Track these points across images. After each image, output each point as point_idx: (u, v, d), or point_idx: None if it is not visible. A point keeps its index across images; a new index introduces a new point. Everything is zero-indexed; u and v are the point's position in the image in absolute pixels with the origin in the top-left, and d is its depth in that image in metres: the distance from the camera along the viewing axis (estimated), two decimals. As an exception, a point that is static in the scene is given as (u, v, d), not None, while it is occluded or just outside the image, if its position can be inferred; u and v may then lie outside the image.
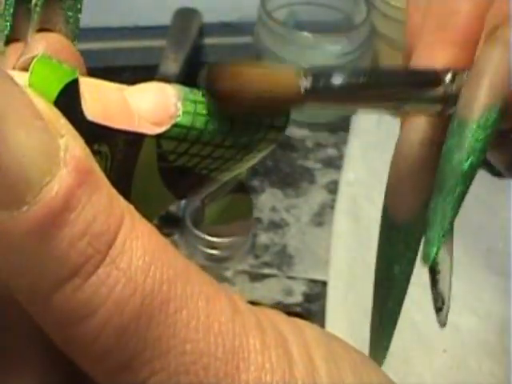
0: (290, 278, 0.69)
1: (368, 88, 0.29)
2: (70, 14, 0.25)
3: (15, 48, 0.27)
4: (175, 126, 0.26)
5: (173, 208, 0.70)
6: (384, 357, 0.34)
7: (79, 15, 0.26)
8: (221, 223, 0.32)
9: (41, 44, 0.26)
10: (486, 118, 0.30)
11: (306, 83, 0.27)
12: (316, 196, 0.76)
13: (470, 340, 0.63)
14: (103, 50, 0.89)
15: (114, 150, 0.25)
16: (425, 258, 0.31)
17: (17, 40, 0.27)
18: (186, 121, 0.26)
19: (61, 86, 0.23)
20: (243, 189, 0.31)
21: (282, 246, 0.71)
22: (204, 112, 0.26)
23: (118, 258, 0.21)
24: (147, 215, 0.24)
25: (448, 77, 0.31)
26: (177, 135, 0.26)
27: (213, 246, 0.68)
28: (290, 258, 0.70)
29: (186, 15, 0.89)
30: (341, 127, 0.82)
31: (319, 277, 0.68)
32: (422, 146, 0.33)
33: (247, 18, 0.89)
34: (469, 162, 0.30)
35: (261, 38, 0.82)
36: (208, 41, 0.91)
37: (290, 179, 0.77)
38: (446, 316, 0.33)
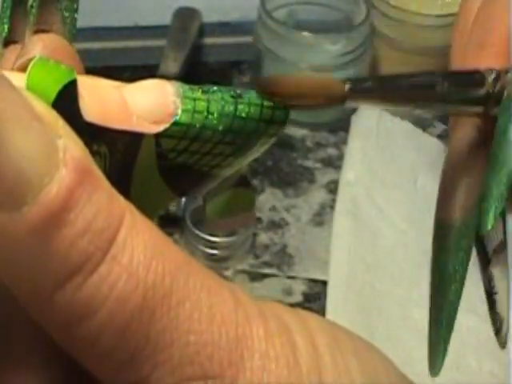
0: (289, 277, 0.69)
1: (407, 91, 0.29)
2: (66, 14, 0.25)
3: (13, 50, 0.27)
4: (174, 124, 0.26)
5: (173, 208, 0.70)
6: (441, 361, 0.33)
7: (76, 15, 0.25)
8: (222, 218, 0.31)
9: (37, 45, 0.26)
10: None
11: (348, 85, 0.28)
12: (316, 196, 0.76)
13: (469, 340, 0.63)
14: (103, 50, 0.89)
15: (113, 150, 0.25)
16: (482, 227, 0.30)
17: (15, 42, 0.27)
18: (185, 118, 0.26)
19: (58, 87, 0.23)
20: (245, 183, 0.31)
21: (281, 245, 0.71)
22: (203, 110, 0.26)
23: (120, 255, 0.21)
24: (147, 213, 0.24)
25: (492, 76, 0.30)
26: (176, 133, 0.26)
27: (213, 245, 0.68)
28: (289, 258, 0.70)
29: (185, 15, 0.89)
30: (341, 127, 0.82)
31: (319, 277, 0.68)
32: (471, 153, 0.33)
33: (247, 18, 0.89)
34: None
35: (261, 38, 0.82)
36: (208, 41, 0.91)
37: (290, 179, 0.77)
38: (506, 337, 0.32)
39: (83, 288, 0.21)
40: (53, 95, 0.23)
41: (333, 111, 0.82)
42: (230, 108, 0.27)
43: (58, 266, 0.21)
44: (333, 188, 0.76)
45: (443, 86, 0.29)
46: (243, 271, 0.69)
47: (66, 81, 0.23)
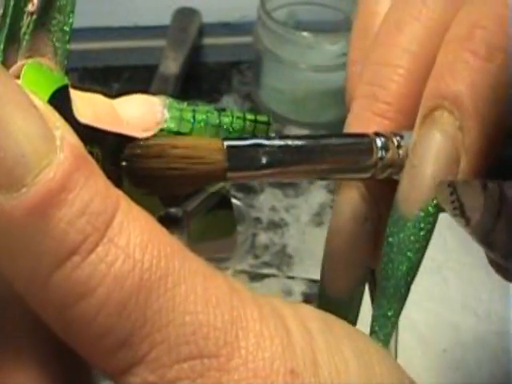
0: (289, 278, 0.69)
1: (295, 165, 0.29)
2: (58, 45, 0.26)
3: None
4: (163, 130, 0.27)
5: (173, 208, 0.70)
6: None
7: (67, 46, 0.26)
8: (203, 241, 0.33)
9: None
10: (425, 215, 0.30)
11: (229, 163, 0.27)
12: (316, 196, 0.76)
13: (469, 340, 0.63)
14: (103, 50, 0.89)
15: (105, 152, 0.25)
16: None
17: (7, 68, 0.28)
18: (172, 125, 0.27)
19: (52, 89, 0.24)
20: (226, 204, 0.32)
21: (281, 245, 0.71)
22: (190, 118, 0.27)
23: (117, 237, 0.22)
24: None
25: (379, 144, 0.30)
26: None
27: (213, 245, 0.68)
28: (289, 258, 0.70)
29: (185, 15, 0.89)
30: (341, 127, 0.81)
31: (319, 277, 0.68)
32: (355, 222, 0.33)
33: (247, 18, 0.90)
34: (406, 264, 0.30)
35: (261, 38, 0.82)
36: (208, 41, 0.91)
37: (290, 179, 0.77)
38: None
39: (81, 267, 0.21)
40: (46, 97, 0.23)
41: (333, 111, 0.82)
42: (216, 120, 0.28)
43: (57, 245, 0.21)
44: (333, 188, 0.76)
45: (331, 158, 0.30)
46: (243, 271, 0.69)
47: (59, 84, 0.24)
